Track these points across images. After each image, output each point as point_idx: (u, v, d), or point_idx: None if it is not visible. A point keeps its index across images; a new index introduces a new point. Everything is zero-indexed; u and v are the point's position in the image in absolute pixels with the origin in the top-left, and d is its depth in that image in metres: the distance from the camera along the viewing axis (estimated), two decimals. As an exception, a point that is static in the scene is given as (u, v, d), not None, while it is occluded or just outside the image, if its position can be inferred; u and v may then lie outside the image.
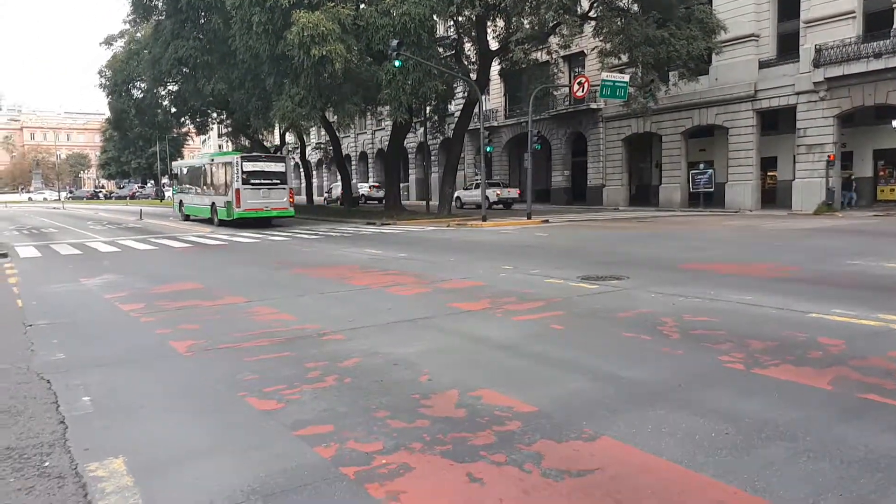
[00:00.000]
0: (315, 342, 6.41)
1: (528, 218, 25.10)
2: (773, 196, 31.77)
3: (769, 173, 32.38)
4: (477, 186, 39.18)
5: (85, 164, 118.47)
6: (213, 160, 27.29)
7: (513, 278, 10.38)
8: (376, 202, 44.98)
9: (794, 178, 29.39)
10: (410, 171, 52.77)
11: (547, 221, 24.64)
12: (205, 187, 27.78)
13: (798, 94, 28.59)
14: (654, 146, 36.60)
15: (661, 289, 9.03)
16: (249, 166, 24.41)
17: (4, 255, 16.05)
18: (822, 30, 27.44)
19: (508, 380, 5.06)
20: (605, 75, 26.00)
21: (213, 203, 26.69)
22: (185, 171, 31.17)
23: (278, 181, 24.97)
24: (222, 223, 25.78)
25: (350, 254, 15.06)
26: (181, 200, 31.12)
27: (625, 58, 27.59)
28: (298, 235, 21.20)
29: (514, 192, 36.68)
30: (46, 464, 3.71)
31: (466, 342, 6.27)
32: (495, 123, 42.89)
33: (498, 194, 35.46)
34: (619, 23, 26.14)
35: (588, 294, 8.81)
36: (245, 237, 20.73)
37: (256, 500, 3.27)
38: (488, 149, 25.80)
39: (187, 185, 30.24)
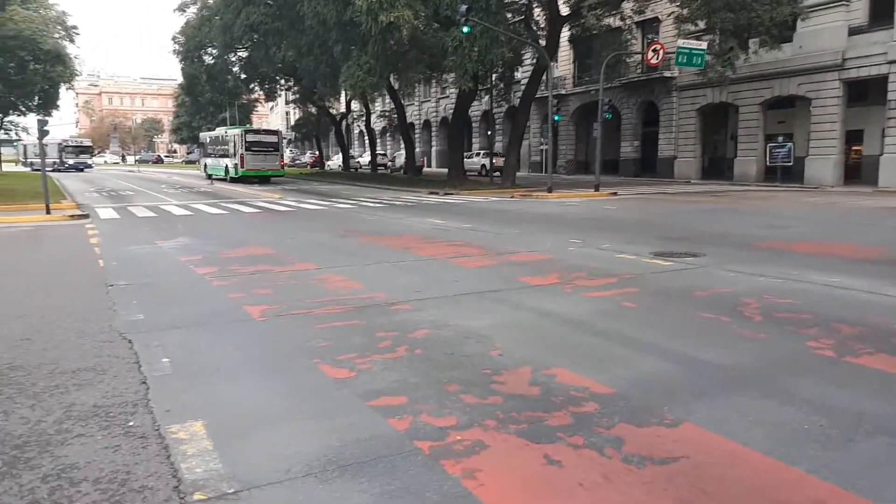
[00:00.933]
0: (384, 311, 6.43)
1: (596, 190, 24.57)
2: (858, 172, 29.97)
3: (854, 147, 30.46)
4: (478, 154, 42.93)
5: (158, 129, 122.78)
6: (227, 132, 35.42)
7: (581, 252, 10.17)
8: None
9: (882, 152, 27.63)
10: (474, 140, 52.34)
11: (615, 194, 24.06)
12: (220, 153, 36.07)
13: (891, 62, 26.69)
14: (730, 117, 34.99)
15: (739, 267, 8.66)
16: (251, 137, 32.85)
17: (86, 217, 16.84)
18: (923, -8, 25.41)
19: (582, 358, 4.93)
20: (681, 42, 24.93)
21: (226, 165, 34.55)
22: (208, 140, 39.76)
23: (273, 149, 33.37)
24: (233, 180, 33.72)
25: (414, 223, 15.11)
26: (205, 163, 39.78)
27: (702, 24, 26.33)
28: (363, 204, 21.40)
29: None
30: (130, 423, 3.83)
31: (537, 318, 6.15)
32: (563, 91, 41.88)
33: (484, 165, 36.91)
34: (698, -13, 24.92)
35: (662, 271, 8.52)
36: (312, 204, 21.08)
37: (332, 470, 3.28)
38: (556, 118, 25.17)
39: (209, 151, 38.90)
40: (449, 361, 4.88)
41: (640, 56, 34.34)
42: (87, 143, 61.17)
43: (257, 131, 34.49)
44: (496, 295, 7.13)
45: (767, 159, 31.29)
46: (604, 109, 25.60)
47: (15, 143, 59.28)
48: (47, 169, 24.33)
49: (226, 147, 34.98)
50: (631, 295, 7.05)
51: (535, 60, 30.77)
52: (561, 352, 5.09)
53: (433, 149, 59.39)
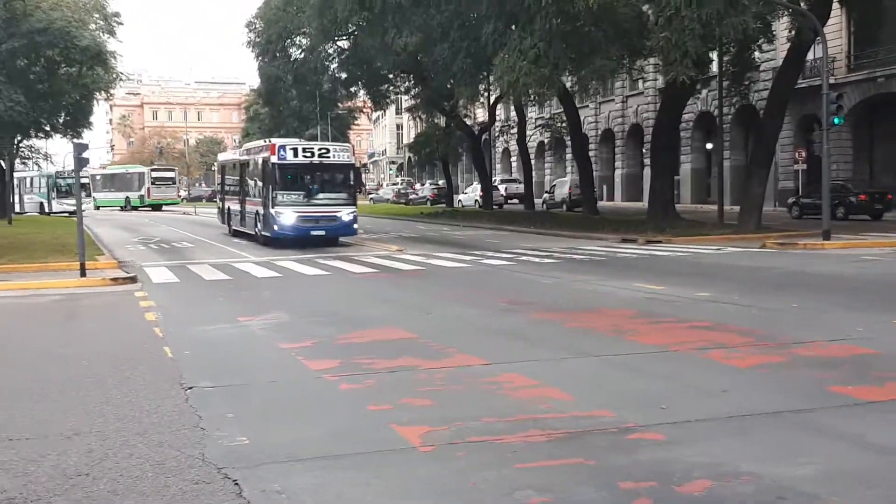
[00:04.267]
0: (618, 442, 6.07)
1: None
2: None
3: None
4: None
5: (218, 153, 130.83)
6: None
7: None
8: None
9: None
10: (683, 156, 51.33)
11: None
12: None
13: None
14: None
15: None
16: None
17: (133, 280, 17.78)
18: None
19: None
20: None
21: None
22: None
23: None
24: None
25: (615, 290, 14.89)
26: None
27: None
28: (524, 258, 21.34)
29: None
30: None
31: (891, 464, 5.46)
32: (831, 79, 40.26)
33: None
34: None
35: None
36: (447, 259, 21.21)
37: None
38: (836, 119, 23.73)
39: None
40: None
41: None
42: (170, 172, 67.38)
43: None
44: (805, 418, 6.60)
45: None
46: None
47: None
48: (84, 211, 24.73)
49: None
50: None
51: (790, 33, 29.74)
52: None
53: (618, 171, 58.90)
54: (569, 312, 12.35)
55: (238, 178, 30.63)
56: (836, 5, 36.43)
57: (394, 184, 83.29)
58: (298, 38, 43.58)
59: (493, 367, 8.57)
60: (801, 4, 28.51)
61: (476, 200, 54.82)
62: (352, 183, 26.66)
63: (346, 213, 25.45)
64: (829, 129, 24.04)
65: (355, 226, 26.08)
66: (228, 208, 32.32)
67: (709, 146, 48.03)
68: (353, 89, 48.72)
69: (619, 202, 54.79)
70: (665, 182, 32.97)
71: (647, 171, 45.10)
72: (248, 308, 13.40)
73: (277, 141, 26.54)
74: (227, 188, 33.81)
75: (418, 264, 20.29)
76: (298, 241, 24.75)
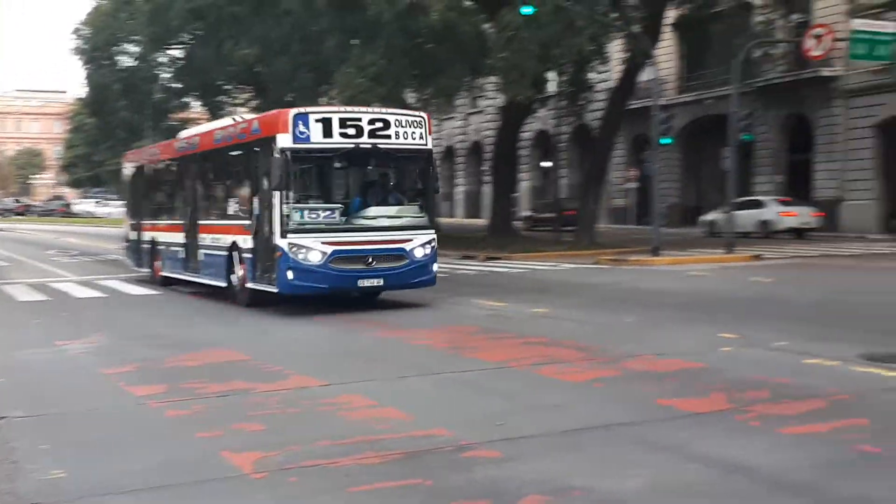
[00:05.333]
0: (455, 461, 6.08)
1: (729, 251, 24.22)
2: None
3: None
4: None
5: (38, 165, 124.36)
6: None
7: (746, 356, 9.93)
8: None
9: None
10: (523, 174, 52.62)
11: (759, 257, 23.71)
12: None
13: None
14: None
15: None
16: None
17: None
18: None
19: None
20: (857, 23, 25.00)
21: None
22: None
23: None
24: None
25: (455, 307, 14.99)
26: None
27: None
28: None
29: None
30: None
31: (722, 476, 5.74)
32: (663, 100, 42.21)
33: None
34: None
35: (894, 387, 8.17)
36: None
37: None
38: (664, 140, 24.91)
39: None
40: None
41: (784, 46, 34.54)
42: None
43: None
44: (634, 431, 6.78)
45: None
46: (740, 127, 25.50)
47: None
48: None
49: None
50: (861, 431, 6.63)
51: (628, 57, 31.01)
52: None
53: (459, 188, 59.85)
54: (407, 330, 12.41)
55: (187, 184, 18.66)
56: (667, 29, 38.31)
57: None
58: (129, 45, 42.26)
59: (331, 388, 8.47)
60: (635, 28, 29.83)
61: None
62: (428, 185, 15.25)
63: (419, 244, 14.48)
64: (657, 150, 25.25)
65: (435, 266, 14.91)
66: (154, 240, 20.24)
67: (545, 164, 49.52)
68: (186, 100, 47.58)
69: (460, 219, 55.66)
70: (505, 199, 33.67)
71: (487, 189, 46.00)
72: (68, 331, 12.79)
73: (292, 111, 14.06)
74: (152, 205, 21.37)
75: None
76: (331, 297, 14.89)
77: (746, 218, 32.60)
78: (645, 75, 31.76)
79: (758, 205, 34.71)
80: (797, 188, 38.29)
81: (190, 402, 8.03)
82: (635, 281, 19.11)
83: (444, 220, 45.75)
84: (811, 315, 13.23)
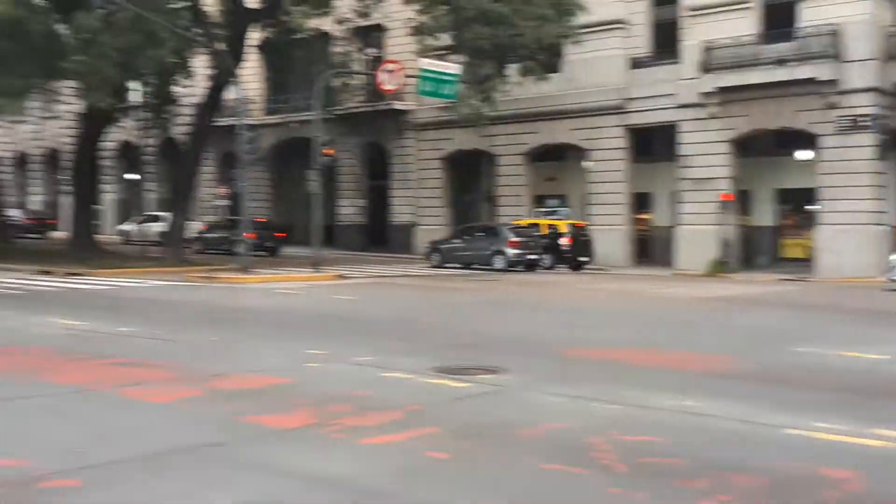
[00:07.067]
0: (31, 493, 5.57)
1: (315, 270, 24.87)
2: (646, 247, 34.67)
3: (639, 216, 35.27)
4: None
5: None
6: None
7: (332, 371, 10.14)
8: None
9: (677, 223, 32.39)
10: (107, 186, 50.05)
11: (343, 277, 24.62)
12: None
13: (680, 107, 31.76)
14: (485, 170, 38.39)
15: (558, 388, 9.19)
16: None
17: None
18: (710, 21, 30.72)
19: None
20: (425, 62, 26.90)
21: None
22: None
23: None
24: None
25: (29, 326, 14.01)
26: None
27: (441, 38, 28.59)
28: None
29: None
30: None
31: (306, 491, 5.79)
32: (250, 120, 42.40)
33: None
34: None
35: (459, 397, 8.74)
36: None
37: None
38: (249, 161, 25.23)
39: None
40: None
41: (364, 77, 36.29)
42: None
43: None
44: (222, 452, 6.63)
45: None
46: (320, 152, 26.32)
47: None
48: None
49: None
50: (433, 438, 7.02)
51: (214, 74, 30.77)
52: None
53: (33, 199, 55.55)
54: (-28, 353, 11.23)
55: None
56: (254, 51, 38.62)
57: None
58: None
59: None
60: (219, 45, 29.71)
61: None
62: None
63: None
64: (246, 167, 25.37)
65: None
66: None
67: (130, 177, 47.62)
68: None
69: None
70: (86, 212, 31.80)
71: (66, 199, 43.17)
72: None
73: None
74: None
75: None
76: None
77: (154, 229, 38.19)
78: (231, 94, 31.77)
79: (158, 219, 39.59)
80: (378, 212, 40.46)
81: None
82: (225, 298, 18.98)
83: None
84: (388, 331, 13.88)
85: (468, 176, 38.98)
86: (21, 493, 5.57)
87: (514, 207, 35.86)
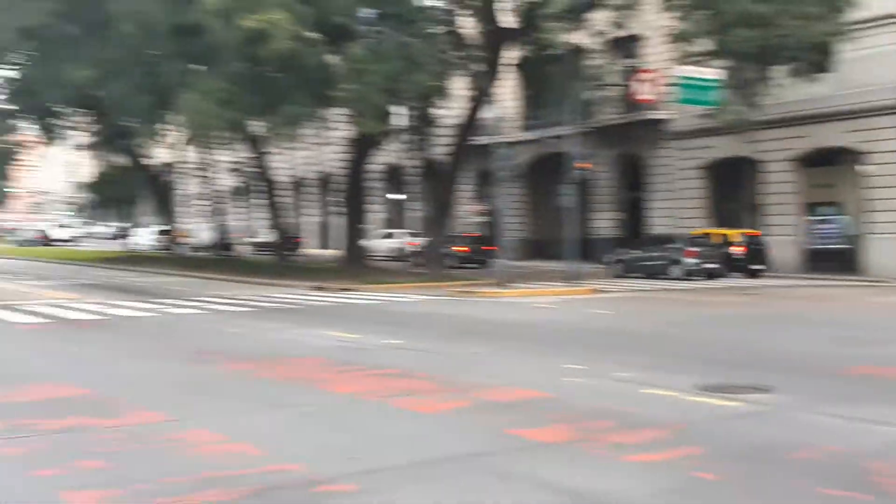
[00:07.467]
0: (309, 496, 5.99)
1: (571, 284, 24.92)
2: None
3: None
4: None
5: None
6: None
7: (591, 386, 10.13)
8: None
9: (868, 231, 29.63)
10: (373, 206, 52.66)
11: (599, 291, 24.49)
12: None
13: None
14: (748, 178, 36.83)
15: (835, 408, 8.75)
16: None
17: None
18: None
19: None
20: (684, 69, 26.33)
21: None
22: None
23: None
24: None
25: (307, 339, 14.86)
26: None
27: (702, 45, 27.81)
28: (213, 306, 20.80)
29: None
30: None
31: (562, 502, 5.85)
32: (506, 138, 43.22)
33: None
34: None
35: (727, 416, 8.54)
36: (130, 308, 20.23)
37: None
38: (506, 175, 25.77)
39: None
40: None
41: (619, 90, 36.07)
42: None
43: None
44: (486, 462, 6.82)
45: (807, 239, 32.96)
46: (575, 165, 26.39)
47: None
48: None
49: None
50: (698, 458, 6.89)
51: (472, 95, 31.64)
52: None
53: (310, 219, 59.37)
54: (259, 362, 12.15)
55: None
56: (511, 69, 39.35)
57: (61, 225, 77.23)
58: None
59: (178, 423, 8.18)
60: (476, 67, 30.53)
61: (156, 243, 53.12)
62: None
63: None
64: (502, 184, 25.88)
65: None
66: None
67: (393, 197, 49.85)
68: (14, 121, 45.38)
69: (312, 249, 55.22)
70: (356, 230, 33.65)
71: (337, 219, 45.88)
72: None
73: None
74: None
75: (96, 314, 19.15)
76: None
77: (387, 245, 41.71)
78: (488, 113, 32.53)
79: (392, 236, 43.25)
80: (634, 225, 39.94)
81: (26, 438, 7.61)
82: (484, 312, 19.40)
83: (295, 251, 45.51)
84: (648, 346, 13.68)
85: (730, 185, 37.54)
86: (301, 496, 6.01)
87: (781, 216, 34.21)
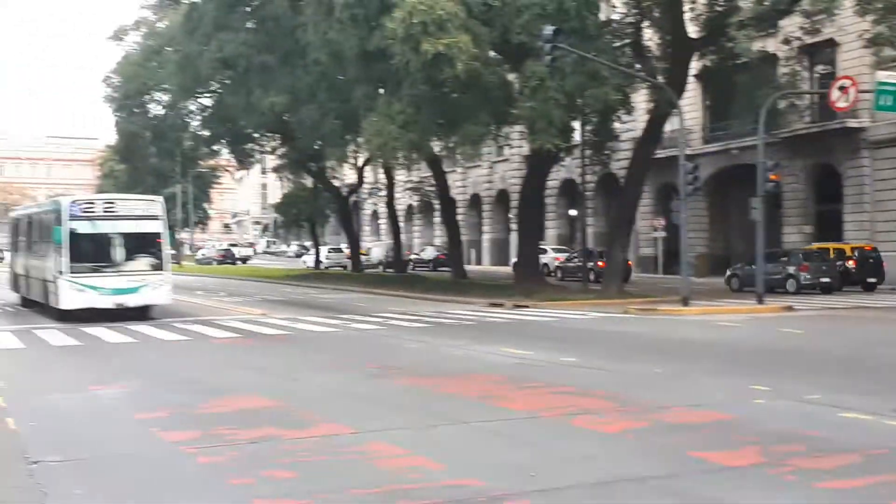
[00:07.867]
0: None
1: (760, 302, 24.04)
2: None
3: None
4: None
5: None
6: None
7: (779, 408, 9.81)
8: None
9: None
10: (549, 222, 52.65)
11: (791, 308, 23.51)
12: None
13: None
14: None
15: None
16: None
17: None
18: None
19: None
20: (883, 75, 24.99)
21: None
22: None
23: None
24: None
25: (483, 355, 15.01)
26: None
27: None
28: (394, 322, 21.30)
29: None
30: None
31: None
32: (688, 150, 42.25)
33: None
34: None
35: (929, 443, 8.02)
36: (314, 323, 21.00)
37: None
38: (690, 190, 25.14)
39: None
40: None
41: (811, 97, 34.57)
42: None
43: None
44: (667, 485, 6.71)
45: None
46: (766, 177, 25.44)
47: None
48: None
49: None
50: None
51: (652, 107, 31.15)
52: None
53: (485, 236, 59.89)
54: (438, 378, 12.36)
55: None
56: (692, 80, 38.46)
57: (234, 244, 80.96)
58: (158, 93, 42.95)
59: (361, 436, 8.44)
60: (659, 78, 29.99)
61: (344, 263, 55.01)
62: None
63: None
64: (686, 198, 25.21)
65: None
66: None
67: (572, 212, 49.53)
68: (215, 147, 48.19)
69: (487, 266, 55.66)
70: (531, 247, 33.66)
71: (513, 236, 46.09)
72: (99, 375, 12.88)
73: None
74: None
75: (283, 328, 20.03)
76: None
77: None
78: (670, 125, 31.89)
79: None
80: (826, 238, 38.09)
81: (222, 448, 8.06)
82: (664, 331, 19.01)
83: (470, 268, 46.00)
84: (843, 367, 13.14)
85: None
86: (487, 510, 6.09)
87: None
